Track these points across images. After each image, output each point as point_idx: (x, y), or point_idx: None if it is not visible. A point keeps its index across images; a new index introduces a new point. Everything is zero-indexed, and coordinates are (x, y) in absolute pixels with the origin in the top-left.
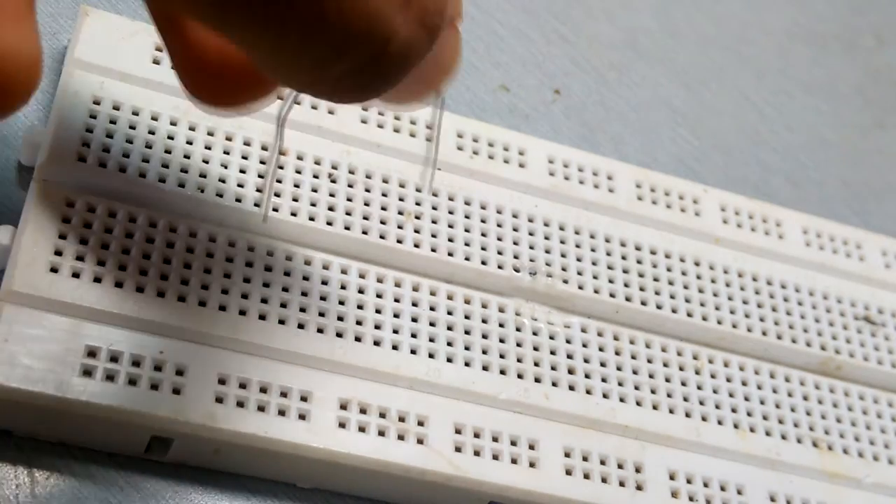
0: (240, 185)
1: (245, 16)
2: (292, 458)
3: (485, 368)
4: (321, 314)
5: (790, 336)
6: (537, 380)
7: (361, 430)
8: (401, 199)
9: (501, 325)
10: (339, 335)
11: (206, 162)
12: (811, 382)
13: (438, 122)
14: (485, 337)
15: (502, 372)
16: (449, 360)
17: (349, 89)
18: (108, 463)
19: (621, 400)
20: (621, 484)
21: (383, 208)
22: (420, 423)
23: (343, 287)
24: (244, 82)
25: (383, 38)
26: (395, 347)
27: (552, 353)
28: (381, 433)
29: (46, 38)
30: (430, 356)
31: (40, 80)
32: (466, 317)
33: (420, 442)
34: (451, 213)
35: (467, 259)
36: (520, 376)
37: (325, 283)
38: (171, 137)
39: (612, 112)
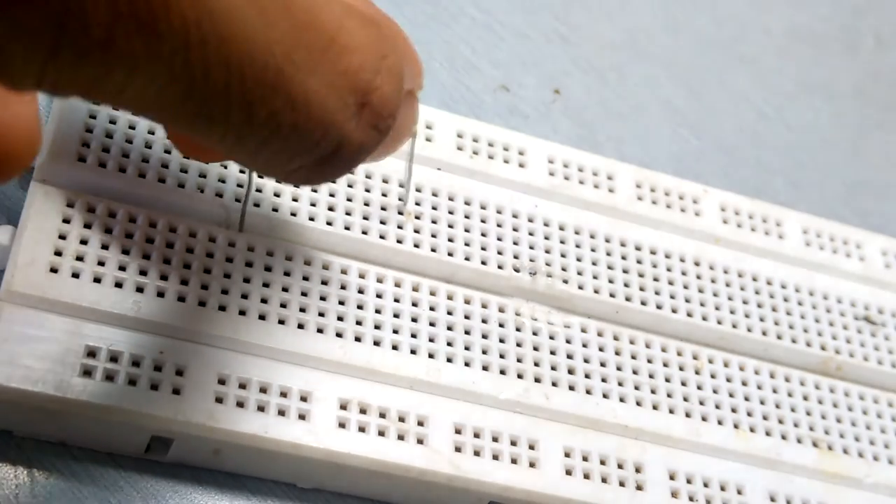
0: (239, 186)
1: (207, 126)
2: (292, 458)
3: (485, 368)
4: (321, 314)
5: (790, 336)
6: (537, 380)
7: (361, 430)
8: (401, 199)
9: (501, 325)
10: (339, 335)
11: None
12: (811, 382)
13: (411, 152)
14: (485, 337)
15: (502, 372)
16: (449, 360)
17: (303, 180)
18: (108, 463)
19: (621, 400)
20: (621, 484)
21: (383, 208)
22: (420, 423)
23: (343, 287)
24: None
25: (336, 143)
26: (395, 347)
27: (552, 353)
28: (381, 433)
29: None
30: (430, 356)
31: (39, 150)
32: (466, 317)
33: (420, 442)
34: (451, 213)
35: (467, 259)
36: (520, 376)
37: (325, 283)
38: None
39: (612, 112)
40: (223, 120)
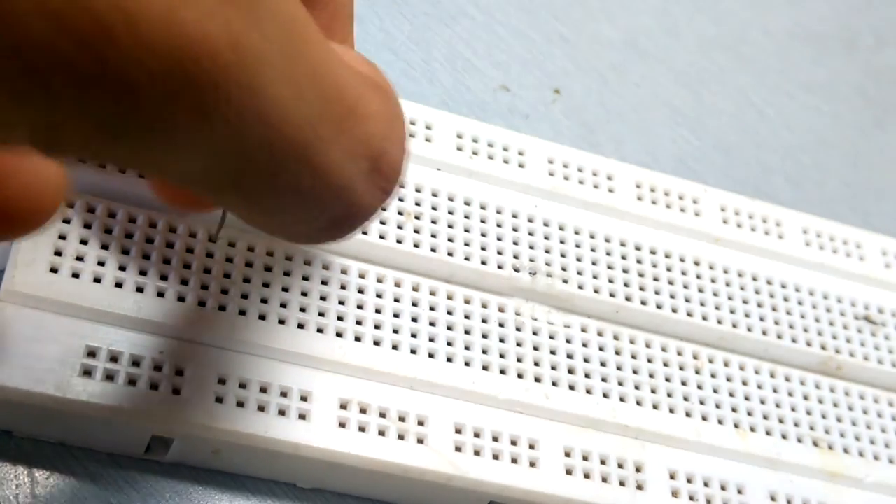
0: None
1: (229, 193)
2: (292, 458)
3: (485, 368)
4: (321, 314)
5: (790, 336)
6: (537, 380)
7: (361, 430)
8: (401, 199)
9: (501, 325)
10: (339, 335)
11: None
12: (811, 382)
13: None
14: (485, 337)
15: (502, 372)
16: (449, 360)
17: (306, 241)
18: (108, 463)
19: (621, 400)
20: (621, 484)
21: (383, 208)
22: (420, 423)
23: (343, 287)
24: (205, 203)
25: (347, 206)
26: (395, 347)
27: (552, 353)
28: (381, 433)
29: None
30: (430, 356)
31: (63, 202)
32: (466, 317)
33: (420, 442)
34: (451, 213)
35: (467, 259)
36: (520, 376)
37: (325, 283)
38: None
39: (612, 112)
40: (245, 188)
